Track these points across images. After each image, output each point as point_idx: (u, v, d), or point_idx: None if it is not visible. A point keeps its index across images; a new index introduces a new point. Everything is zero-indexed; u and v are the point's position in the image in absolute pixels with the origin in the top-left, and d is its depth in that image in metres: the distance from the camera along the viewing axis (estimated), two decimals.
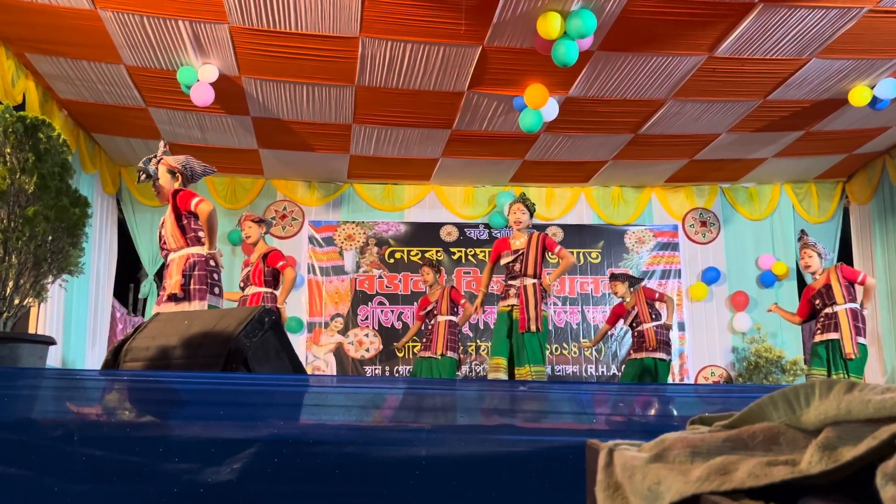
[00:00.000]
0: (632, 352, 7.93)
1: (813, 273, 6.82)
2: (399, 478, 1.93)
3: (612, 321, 8.31)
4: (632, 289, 8.03)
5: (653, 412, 2.84)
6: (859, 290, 6.65)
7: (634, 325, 7.87)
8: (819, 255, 6.76)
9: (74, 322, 8.18)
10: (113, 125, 8.25)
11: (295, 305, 9.65)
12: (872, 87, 7.26)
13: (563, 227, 10.36)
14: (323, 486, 1.92)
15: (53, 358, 7.12)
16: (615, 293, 8.14)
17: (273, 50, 6.60)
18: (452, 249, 10.23)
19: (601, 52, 6.63)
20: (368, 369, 9.61)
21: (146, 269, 9.52)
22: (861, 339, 6.44)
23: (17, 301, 3.45)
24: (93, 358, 8.45)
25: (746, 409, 0.83)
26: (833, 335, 6.51)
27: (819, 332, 6.66)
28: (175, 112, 7.88)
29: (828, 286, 6.63)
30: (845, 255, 10.13)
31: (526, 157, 9.27)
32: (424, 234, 10.22)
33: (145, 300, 9.56)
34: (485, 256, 10.26)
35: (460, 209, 10.28)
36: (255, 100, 7.57)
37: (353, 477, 1.93)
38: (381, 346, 9.75)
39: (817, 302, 6.73)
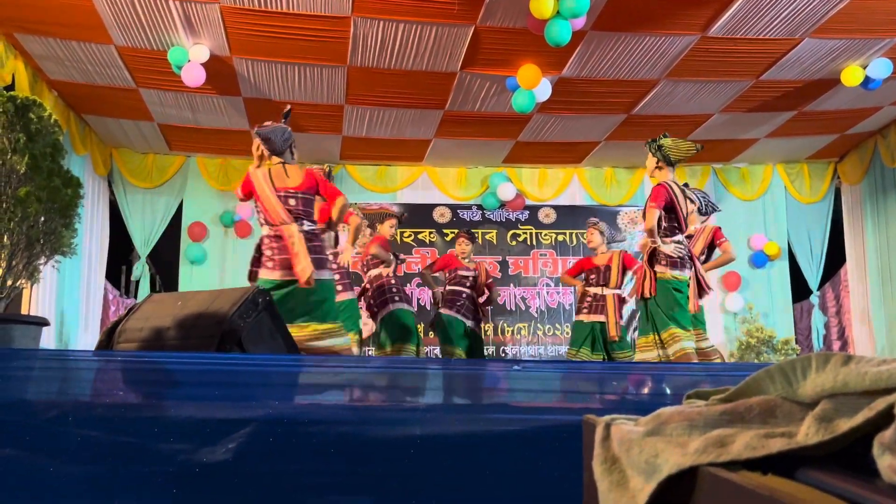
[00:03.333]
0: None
1: (594, 248, 7.29)
2: (394, 457, 1.93)
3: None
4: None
5: (647, 390, 2.86)
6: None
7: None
8: (601, 233, 7.25)
9: (67, 303, 8.17)
10: (103, 106, 8.19)
11: None
12: (865, 67, 7.26)
13: (555, 207, 10.36)
14: (317, 465, 1.92)
15: (46, 339, 7.11)
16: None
17: (264, 30, 6.55)
18: (445, 231, 10.21)
19: (594, 31, 6.60)
20: (363, 350, 9.61)
21: (138, 251, 9.50)
22: (623, 322, 7.10)
23: (9, 282, 3.43)
24: (86, 339, 8.44)
25: (743, 382, 0.83)
26: (600, 317, 7.00)
27: (586, 311, 7.13)
28: (166, 93, 7.83)
29: (608, 267, 7.13)
30: (837, 235, 10.17)
31: (519, 138, 9.25)
32: (417, 215, 10.19)
33: (137, 282, 9.53)
34: (478, 237, 10.26)
35: (453, 190, 10.26)
36: (246, 80, 7.53)
37: (347, 456, 1.93)
38: (375, 327, 9.75)
39: (592, 277, 7.19)
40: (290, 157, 4.90)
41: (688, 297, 5.50)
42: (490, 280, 7.89)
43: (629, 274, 7.28)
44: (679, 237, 5.53)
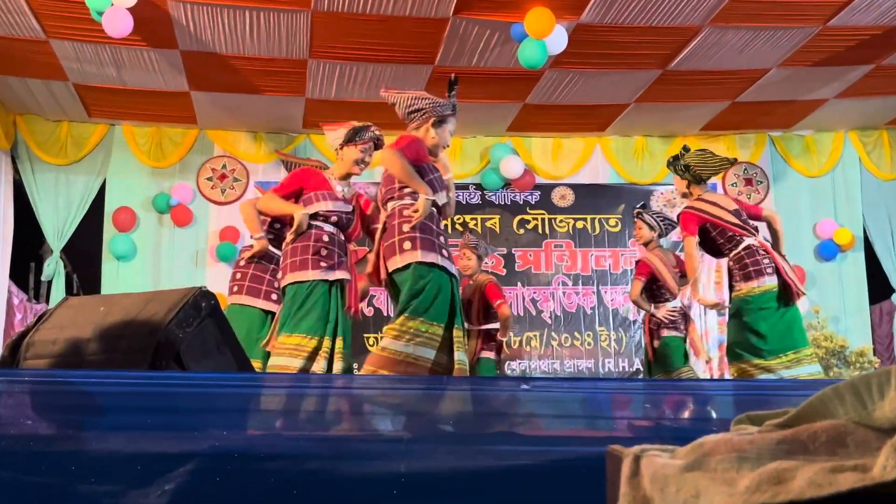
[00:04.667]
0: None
1: (469, 275, 7.48)
2: (373, 499, 1.94)
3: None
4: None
5: (686, 414, 2.87)
6: None
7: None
8: (479, 257, 7.61)
9: None
10: (4, 63, 8.16)
11: None
12: None
13: (573, 187, 10.36)
14: None
15: None
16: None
17: None
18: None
19: None
20: None
21: (50, 244, 9.46)
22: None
23: None
24: None
25: (805, 403, 0.83)
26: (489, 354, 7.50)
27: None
28: (84, 45, 7.79)
29: (469, 302, 7.34)
30: None
31: (527, 101, 9.25)
32: None
33: (50, 282, 9.51)
34: (476, 224, 10.26)
35: None
36: (184, 29, 7.50)
37: (315, 498, 1.94)
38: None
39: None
40: (438, 134, 5.24)
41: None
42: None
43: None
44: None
